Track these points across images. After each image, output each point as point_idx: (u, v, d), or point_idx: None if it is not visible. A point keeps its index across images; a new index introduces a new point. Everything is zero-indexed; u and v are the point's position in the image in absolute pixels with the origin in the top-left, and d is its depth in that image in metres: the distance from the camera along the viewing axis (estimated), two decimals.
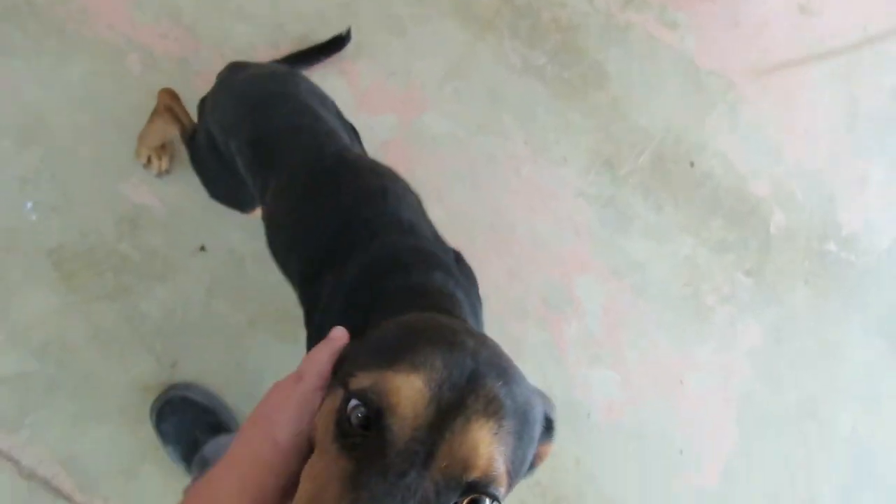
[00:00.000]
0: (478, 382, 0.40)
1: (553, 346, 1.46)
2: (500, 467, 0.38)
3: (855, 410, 1.47)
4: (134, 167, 1.36)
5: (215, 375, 1.34)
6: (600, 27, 1.54)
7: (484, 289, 1.44)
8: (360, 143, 1.12)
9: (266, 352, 1.35)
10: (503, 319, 1.46)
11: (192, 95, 1.17)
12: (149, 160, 1.34)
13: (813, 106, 1.55)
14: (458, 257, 0.83)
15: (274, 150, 0.85)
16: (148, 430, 1.31)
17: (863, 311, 1.51)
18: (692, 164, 1.52)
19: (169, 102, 1.21)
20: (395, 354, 0.41)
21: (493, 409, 0.39)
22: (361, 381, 0.40)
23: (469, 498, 0.37)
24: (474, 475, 0.37)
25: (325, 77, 1.46)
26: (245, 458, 0.42)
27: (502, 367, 0.43)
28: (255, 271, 1.34)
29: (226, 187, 1.12)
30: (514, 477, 0.41)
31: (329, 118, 0.92)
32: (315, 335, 0.74)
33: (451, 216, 1.46)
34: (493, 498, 0.38)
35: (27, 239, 1.32)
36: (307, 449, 0.43)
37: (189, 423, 1.23)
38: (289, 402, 0.45)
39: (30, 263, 1.32)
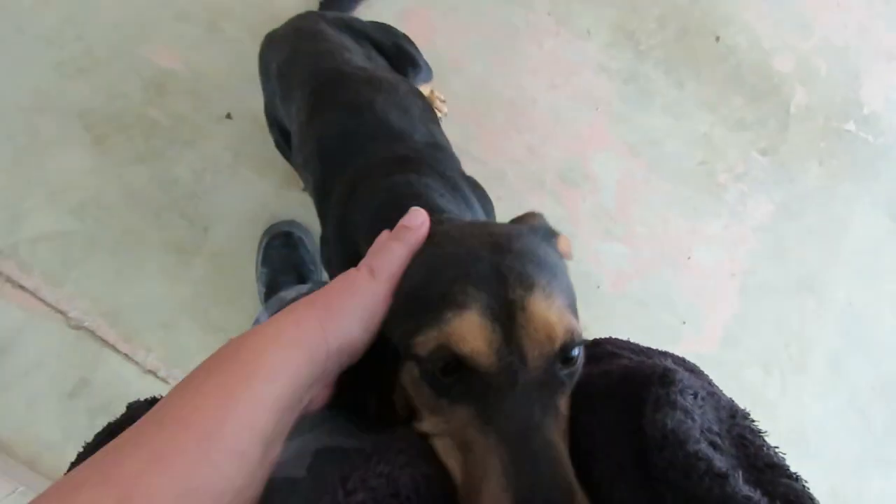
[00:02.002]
0: (506, 274, 0.41)
1: (567, 221, 1.51)
2: (570, 317, 0.42)
3: (852, 284, 1.53)
4: (158, 30, 1.35)
5: (245, 241, 1.40)
6: None
7: (502, 164, 1.48)
8: (412, 44, 1.17)
9: (293, 216, 1.41)
10: (521, 194, 1.50)
11: None
12: None
13: None
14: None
15: (290, 77, 0.90)
16: (186, 289, 1.40)
17: (873, 190, 1.53)
18: (717, 39, 1.49)
19: None
20: (434, 303, 0.41)
21: (529, 284, 0.41)
22: (425, 344, 0.41)
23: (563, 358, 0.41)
24: (561, 340, 0.40)
25: None
26: (291, 341, 0.37)
27: (505, 238, 0.45)
28: None
29: (287, 151, 1.14)
30: (573, 307, 0.45)
31: (340, 38, 0.96)
32: (326, 243, 0.78)
33: (472, 89, 1.46)
34: (581, 344, 0.42)
35: (57, 100, 1.34)
36: (349, 359, 0.41)
37: (291, 260, 1.32)
38: (354, 298, 0.42)
39: (62, 125, 1.34)
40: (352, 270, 0.44)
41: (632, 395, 0.37)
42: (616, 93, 1.49)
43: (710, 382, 0.43)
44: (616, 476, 0.36)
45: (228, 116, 1.39)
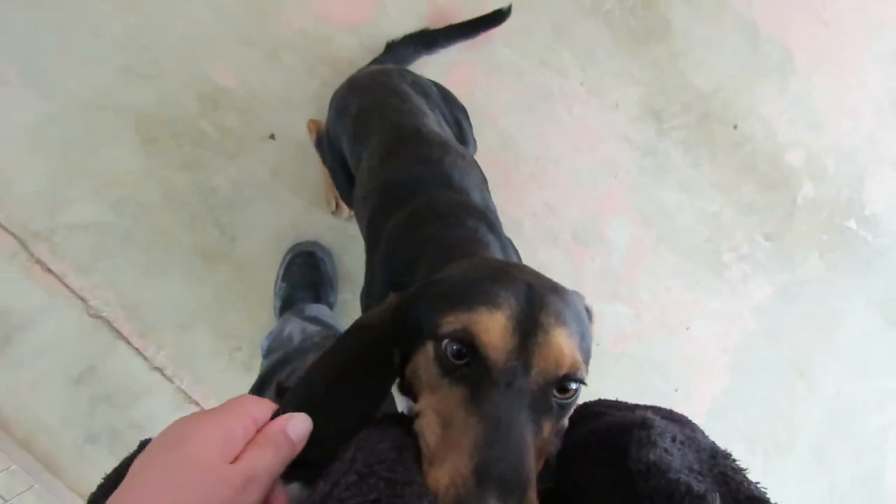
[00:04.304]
0: (541, 302, 0.48)
1: (576, 277, 1.55)
2: (579, 357, 0.47)
3: (842, 375, 1.56)
4: (222, 51, 1.43)
5: (269, 255, 1.44)
6: None
7: (521, 215, 1.54)
8: (467, 120, 1.27)
9: (318, 238, 1.46)
10: (534, 246, 1.55)
11: None
12: (337, 205, 1.41)
13: (863, 86, 1.57)
14: None
15: (368, 123, 0.98)
16: (206, 293, 1.43)
17: (869, 288, 1.58)
18: (735, 127, 1.57)
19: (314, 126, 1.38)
20: (470, 298, 0.47)
21: (560, 319, 0.47)
22: (450, 325, 0.46)
23: (561, 386, 0.46)
24: (564, 370, 0.45)
25: None
26: None
27: (549, 285, 0.51)
28: (316, 164, 1.42)
29: (341, 180, 1.22)
30: (587, 360, 0.51)
31: (419, 102, 1.06)
32: (371, 270, 0.85)
33: (501, 141, 1.53)
34: (581, 381, 0.47)
35: (117, 101, 1.40)
36: None
37: (311, 279, 1.36)
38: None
39: (117, 124, 1.39)
40: (220, 468, 0.35)
41: (616, 444, 0.41)
42: (636, 164, 1.56)
43: (693, 430, 0.46)
44: None
45: (272, 137, 1.45)
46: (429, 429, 0.45)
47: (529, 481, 0.39)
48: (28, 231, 1.38)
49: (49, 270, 1.39)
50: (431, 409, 0.46)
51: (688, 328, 1.56)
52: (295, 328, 1.11)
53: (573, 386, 0.47)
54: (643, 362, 1.54)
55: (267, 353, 1.12)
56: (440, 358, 0.46)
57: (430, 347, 0.48)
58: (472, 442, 0.40)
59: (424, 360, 0.48)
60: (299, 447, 0.42)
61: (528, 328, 0.45)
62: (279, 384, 0.70)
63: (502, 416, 0.42)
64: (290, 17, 1.45)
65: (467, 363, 0.45)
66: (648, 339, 1.55)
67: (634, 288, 1.55)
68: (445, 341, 0.46)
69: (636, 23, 1.55)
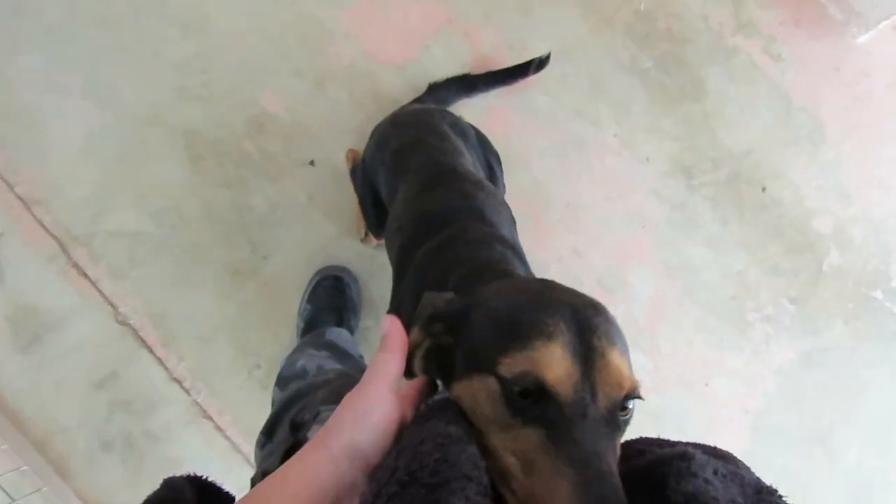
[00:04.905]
0: (589, 325, 0.47)
1: None
2: (634, 374, 0.47)
3: (865, 448, 1.52)
4: (273, 79, 1.50)
5: (298, 276, 1.46)
6: (708, 45, 1.61)
7: (547, 258, 1.56)
8: (499, 165, 1.30)
9: (346, 263, 1.48)
10: None
11: None
12: (366, 234, 1.46)
13: (893, 159, 1.59)
14: None
15: (407, 158, 1.03)
16: (231, 309, 1.45)
17: (894, 360, 1.56)
18: (764, 189, 1.59)
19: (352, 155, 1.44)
20: (522, 330, 0.47)
21: (611, 340, 0.47)
22: (511, 366, 0.45)
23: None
24: (626, 391, 0.45)
25: (450, 37, 1.58)
26: (298, 473, 0.41)
27: (588, 303, 0.51)
28: (351, 192, 1.45)
29: (368, 209, 1.26)
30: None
31: (458, 143, 1.11)
32: (398, 296, 0.87)
33: (534, 185, 1.56)
34: (639, 397, 0.47)
35: (168, 118, 1.46)
36: (363, 461, 0.44)
37: (336, 303, 1.38)
38: (344, 409, 0.45)
39: (167, 139, 1.45)
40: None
41: (657, 479, 0.40)
42: (664, 217, 1.57)
43: (737, 465, 0.45)
44: None
45: (312, 163, 1.49)
46: (509, 475, 0.44)
47: None
48: (70, 235, 1.42)
49: (85, 275, 1.43)
50: (507, 451, 0.45)
51: (707, 384, 1.54)
52: (310, 362, 1.10)
53: (631, 404, 0.47)
54: (660, 415, 1.51)
55: (278, 380, 1.12)
56: (508, 398, 0.45)
57: (491, 384, 0.46)
58: (570, 490, 0.39)
59: (486, 396, 0.47)
60: (395, 337, 0.51)
61: (585, 354, 0.45)
62: (292, 420, 0.71)
63: (588, 453, 0.41)
64: (339, 52, 1.52)
65: (535, 400, 0.44)
66: (666, 391, 1.53)
67: (655, 339, 1.54)
68: (510, 384, 0.45)
69: (671, 81, 1.59)
